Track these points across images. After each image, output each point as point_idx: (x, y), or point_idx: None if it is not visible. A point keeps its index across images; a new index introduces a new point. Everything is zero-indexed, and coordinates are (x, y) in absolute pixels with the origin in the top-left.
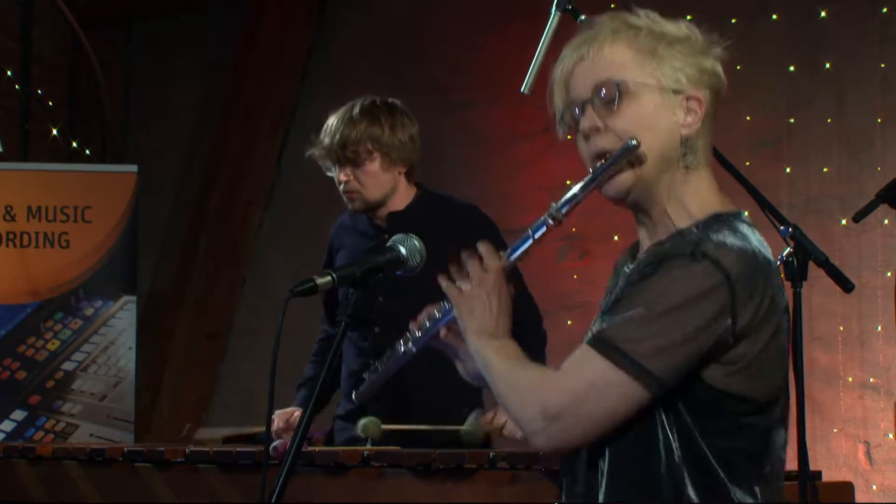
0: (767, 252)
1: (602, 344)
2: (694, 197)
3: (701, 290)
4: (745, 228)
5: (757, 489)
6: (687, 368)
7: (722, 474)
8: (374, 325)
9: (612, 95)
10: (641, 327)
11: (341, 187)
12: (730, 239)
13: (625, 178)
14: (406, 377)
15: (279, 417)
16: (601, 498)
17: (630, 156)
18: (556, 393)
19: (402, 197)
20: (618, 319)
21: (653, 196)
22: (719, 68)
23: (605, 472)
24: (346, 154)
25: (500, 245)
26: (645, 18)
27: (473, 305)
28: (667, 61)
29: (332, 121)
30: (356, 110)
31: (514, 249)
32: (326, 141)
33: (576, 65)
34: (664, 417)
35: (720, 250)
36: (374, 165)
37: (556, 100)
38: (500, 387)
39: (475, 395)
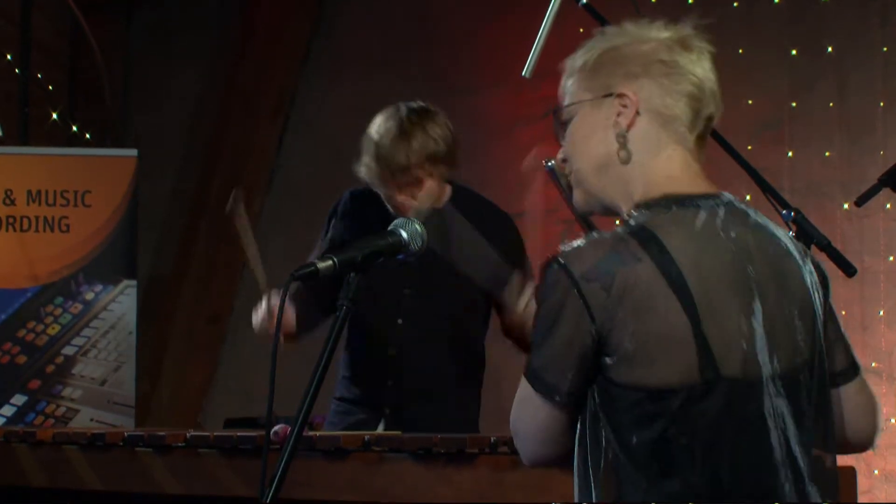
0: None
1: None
2: (638, 188)
3: (555, 302)
4: (683, 213)
5: (694, 479)
6: (584, 372)
7: (655, 467)
8: (399, 318)
9: (559, 124)
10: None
11: (392, 203)
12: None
13: (577, 197)
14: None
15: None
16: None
17: (561, 176)
18: (512, 412)
19: (439, 199)
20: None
21: (612, 202)
22: (680, 58)
23: (574, 478)
24: (405, 180)
25: (521, 257)
26: (607, 31)
27: None
28: (601, 71)
29: (382, 140)
30: (407, 127)
31: None
32: (380, 166)
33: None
34: (589, 421)
35: (572, 250)
36: (431, 182)
37: None
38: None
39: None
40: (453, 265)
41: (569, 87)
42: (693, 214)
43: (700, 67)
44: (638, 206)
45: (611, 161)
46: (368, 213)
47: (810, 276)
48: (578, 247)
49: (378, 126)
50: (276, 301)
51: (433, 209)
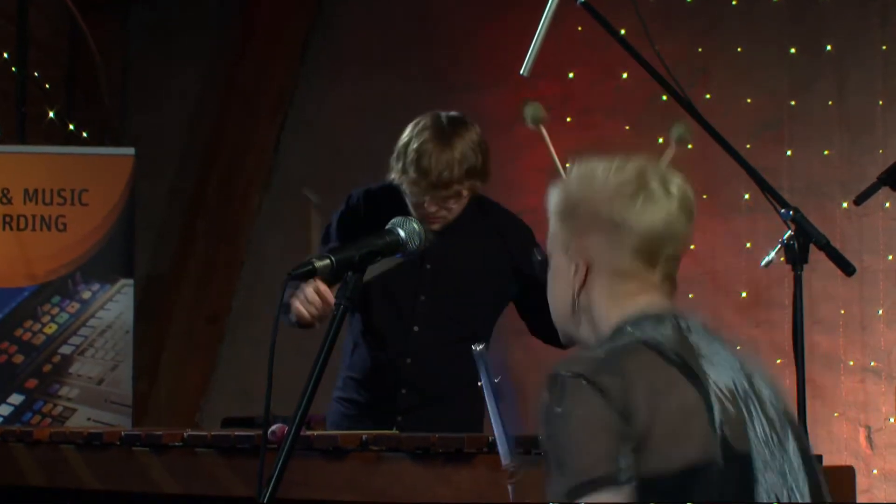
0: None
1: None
2: (604, 328)
3: (570, 404)
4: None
5: None
6: (625, 453)
7: None
8: (415, 325)
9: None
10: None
11: (422, 213)
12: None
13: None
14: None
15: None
16: None
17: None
18: None
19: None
20: None
21: (580, 338)
22: (630, 209)
23: None
24: (445, 193)
25: (529, 252)
26: (571, 174)
27: None
28: (564, 223)
29: (425, 149)
30: (451, 140)
31: None
32: (421, 176)
33: None
34: None
35: (567, 362)
36: (467, 195)
37: None
38: None
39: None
40: (466, 272)
41: (550, 223)
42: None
43: (656, 211)
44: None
45: (574, 308)
46: (385, 212)
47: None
48: (572, 358)
49: (419, 135)
50: (312, 290)
51: (456, 220)
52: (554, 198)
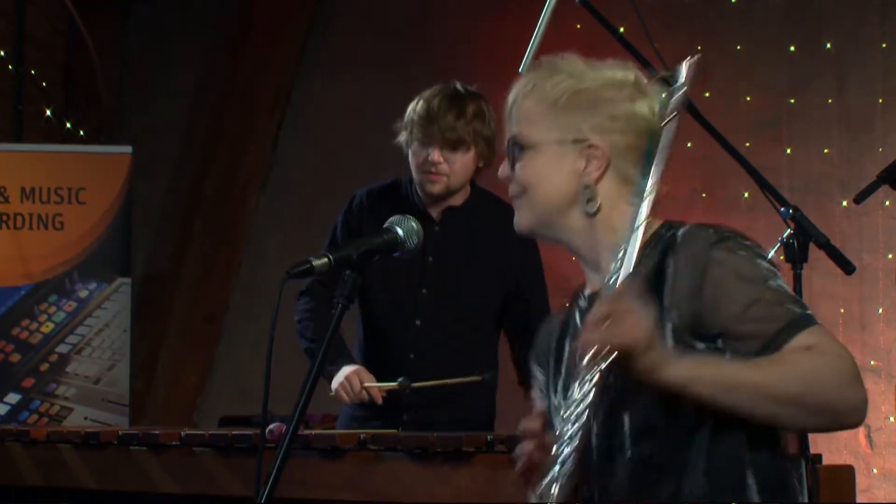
0: None
1: (800, 323)
2: (606, 236)
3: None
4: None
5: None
6: None
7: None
8: (417, 319)
9: (516, 150)
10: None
11: (426, 168)
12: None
13: (521, 219)
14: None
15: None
16: None
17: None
18: (846, 360)
19: (463, 192)
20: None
21: (568, 239)
22: (648, 109)
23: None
24: (450, 137)
25: (536, 259)
26: (571, 65)
27: (617, 324)
28: (569, 113)
29: (436, 99)
30: (463, 93)
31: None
32: (433, 117)
33: (509, 110)
34: None
35: (723, 231)
36: (469, 156)
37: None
38: (780, 384)
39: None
40: (468, 264)
41: (530, 111)
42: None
43: (650, 106)
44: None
45: (573, 205)
46: (385, 211)
47: None
48: (714, 229)
49: (432, 91)
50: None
51: (452, 208)
52: (552, 83)
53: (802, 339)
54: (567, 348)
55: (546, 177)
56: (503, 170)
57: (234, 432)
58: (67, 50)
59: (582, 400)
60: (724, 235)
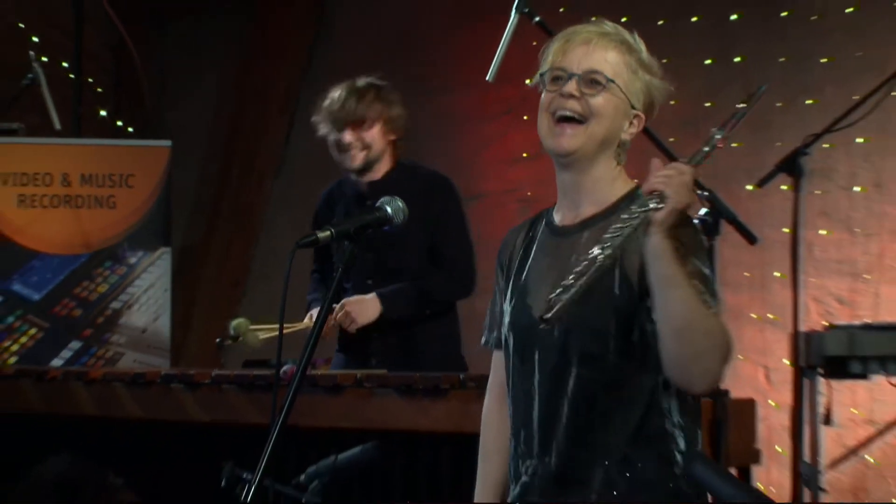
0: None
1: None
2: (617, 184)
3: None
4: None
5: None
6: None
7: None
8: (368, 279)
9: (599, 83)
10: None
11: (344, 148)
12: None
13: (576, 136)
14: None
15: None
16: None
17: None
18: (725, 335)
19: (384, 166)
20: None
21: (590, 168)
22: (661, 99)
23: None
24: (354, 117)
25: (457, 211)
26: (638, 44)
27: (680, 185)
28: (638, 84)
29: (339, 92)
30: (361, 83)
31: (696, 157)
32: (337, 106)
33: (580, 45)
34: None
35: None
36: (375, 130)
37: (551, 56)
38: (695, 315)
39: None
40: (401, 244)
41: (616, 62)
42: None
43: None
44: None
45: (610, 149)
46: (336, 203)
47: None
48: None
49: (337, 87)
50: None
51: (376, 181)
52: (643, 50)
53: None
54: (532, 254)
55: (610, 117)
56: (572, 85)
57: (254, 373)
58: (116, 61)
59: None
60: (690, 218)
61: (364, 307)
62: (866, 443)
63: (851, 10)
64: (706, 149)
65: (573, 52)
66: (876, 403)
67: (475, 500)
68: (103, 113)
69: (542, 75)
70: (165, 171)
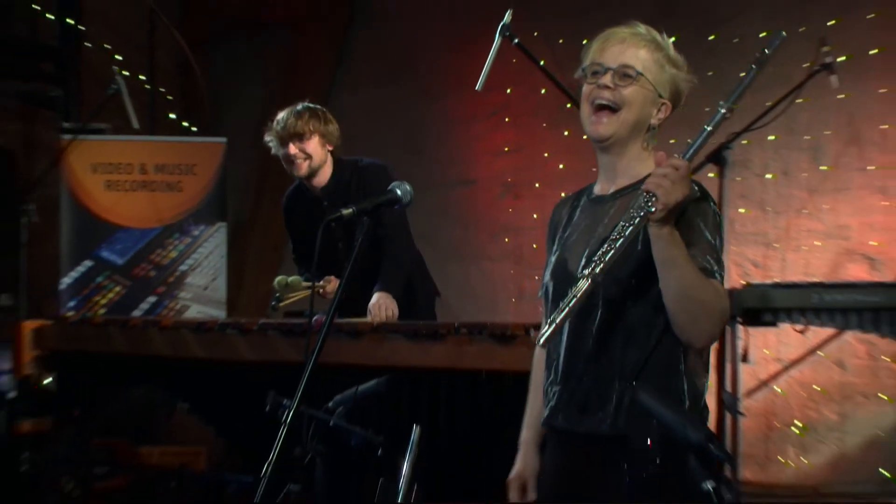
0: None
1: (717, 274)
2: (648, 163)
3: (716, 222)
4: None
5: None
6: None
7: None
8: (347, 265)
9: (630, 76)
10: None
11: (291, 160)
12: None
13: (609, 123)
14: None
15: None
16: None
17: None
18: (721, 302)
19: (327, 169)
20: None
21: (624, 150)
22: (685, 89)
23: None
24: (295, 132)
25: (385, 183)
26: (665, 41)
27: (673, 183)
28: (665, 76)
29: (282, 115)
30: (300, 107)
31: (692, 148)
32: (281, 126)
33: (616, 44)
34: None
35: (705, 191)
36: (314, 141)
37: (591, 53)
38: (695, 284)
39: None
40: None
41: (645, 58)
42: None
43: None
44: None
45: (640, 134)
46: (296, 206)
47: None
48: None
49: (283, 111)
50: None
51: (328, 185)
52: (675, 53)
53: (714, 282)
54: (575, 217)
55: (640, 105)
56: (608, 80)
57: (292, 321)
58: (182, 74)
59: (621, 233)
60: (706, 194)
61: (391, 302)
62: (775, 376)
63: (764, 34)
64: (708, 127)
65: (610, 50)
66: (782, 345)
67: (524, 425)
68: (172, 115)
69: (583, 69)
70: (221, 161)
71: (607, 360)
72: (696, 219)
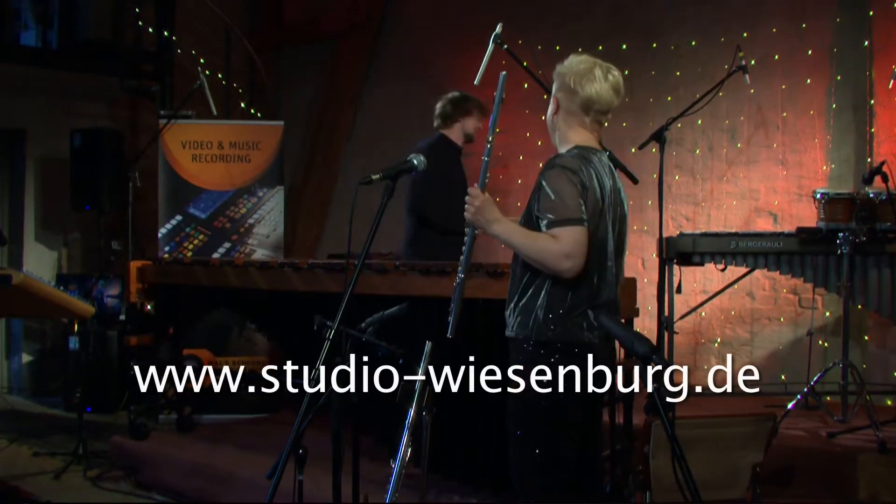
0: (586, 163)
1: (557, 222)
2: (563, 145)
3: (562, 180)
4: (580, 152)
5: None
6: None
7: None
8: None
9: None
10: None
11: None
12: (568, 155)
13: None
14: None
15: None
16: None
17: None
18: (562, 247)
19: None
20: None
21: (555, 144)
22: (584, 85)
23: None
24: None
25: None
26: (568, 62)
27: (482, 212)
28: (556, 84)
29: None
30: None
31: (482, 179)
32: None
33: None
34: None
35: (560, 158)
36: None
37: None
38: (527, 249)
39: None
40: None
41: (555, 80)
42: (593, 154)
43: (596, 86)
44: (570, 149)
45: (552, 126)
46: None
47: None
48: (560, 157)
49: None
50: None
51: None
52: (558, 68)
53: (554, 230)
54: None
55: (549, 114)
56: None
57: (334, 261)
58: (250, 72)
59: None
60: (553, 163)
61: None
62: (701, 304)
63: (694, 43)
64: (485, 158)
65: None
66: (707, 281)
67: None
68: (243, 105)
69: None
70: (280, 140)
71: (513, 284)
72: (544, 184)
